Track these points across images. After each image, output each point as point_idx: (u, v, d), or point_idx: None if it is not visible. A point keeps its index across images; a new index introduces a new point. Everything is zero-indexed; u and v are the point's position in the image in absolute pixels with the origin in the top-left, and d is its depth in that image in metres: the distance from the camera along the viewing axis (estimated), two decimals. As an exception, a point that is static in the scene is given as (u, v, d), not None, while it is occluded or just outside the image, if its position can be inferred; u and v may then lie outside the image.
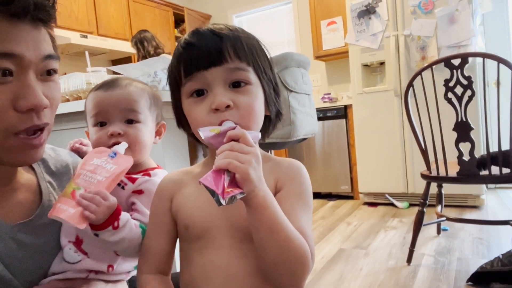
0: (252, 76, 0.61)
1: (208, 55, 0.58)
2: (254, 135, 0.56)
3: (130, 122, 0.76)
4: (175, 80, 0.63)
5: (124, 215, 0.65)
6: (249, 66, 0.60)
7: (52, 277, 0.68)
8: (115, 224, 0.63)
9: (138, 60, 3.28)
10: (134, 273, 0.77)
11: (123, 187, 0.74)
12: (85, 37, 3.73)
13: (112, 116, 0.75)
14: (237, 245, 0.60)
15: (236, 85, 0.59)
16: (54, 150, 0.82)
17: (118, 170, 0.66)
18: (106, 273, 0.70)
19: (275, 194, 0.61)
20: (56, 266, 0.68)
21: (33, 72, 0.57)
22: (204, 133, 0.55)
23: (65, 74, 3.40)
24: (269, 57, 0.66)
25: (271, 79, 0.65)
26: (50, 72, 0.60)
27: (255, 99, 0.60)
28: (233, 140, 0.53)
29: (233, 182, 0.51)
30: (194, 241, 0.63)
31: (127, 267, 0.74)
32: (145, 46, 3.22)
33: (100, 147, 0.72)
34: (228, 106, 0.58)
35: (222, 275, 0.60)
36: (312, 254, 0.57)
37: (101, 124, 0.76)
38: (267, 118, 0.66)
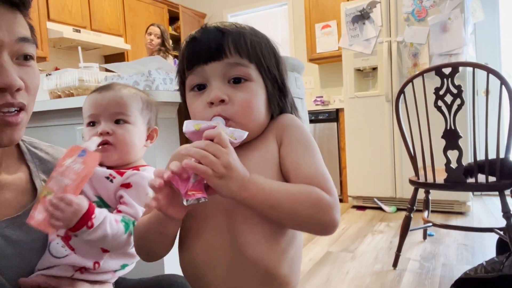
0: (253, 73, 0.60)
1: (208, 50, 0.59)
2: (239, 134, 0.55)
3: (119, 122, 0.79)
4: (180, 74, 0.64)
5: (100, 213, 0.66)
6: (250, 63, 0.60)
7: (39, 272, 0.68)
8: (89, 224, 0.64)
9: (161, 42, 3.49)
10: (120, 273, 0.77)
11: (111, 180, 0.75)
12: (78, 31, 3.70)
13: (103, 116, 0.79)
14: (237, 226, 0.58)
15: (236, 81, 0.59)
16: (53, 148, 0.81)
17: (84, 171, 0.67)
18: (92, 271, 0.70)
19: (278, 148, 0.62)
20: (42, 261, 0.69)
21: (8, 54, 0.58)
22: (187, 127, 0.55)
23: (57, 68, 3.36)
24: (278, 56, 0.65)
25: (277, 78, 0.64)
26: (26, 57, 0.61)
27: (254, 97, 0.60)
28: (210, 139, 0.53)
29: (197, 184, 0.51)
30: (194, 223, 0.61)
31: (114, 265, 0.74)
32: (167, 39, 3.52)
33: (75, 145, 0.73)
34: (223, 101, 0.58)
35: (226, 259, 0.58)
36: (329, 190, 0.56)
37: (92, 124, 0.80)
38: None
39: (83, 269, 0.70)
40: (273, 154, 0.61)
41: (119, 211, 0.72)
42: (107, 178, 0.75)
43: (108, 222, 0.67)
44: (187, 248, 0.62)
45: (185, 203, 0.49)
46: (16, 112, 0.59)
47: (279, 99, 0.64)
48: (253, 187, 0.53)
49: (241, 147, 0.60)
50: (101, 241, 0.66)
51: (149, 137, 0.87)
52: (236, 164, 0.53)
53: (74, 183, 0.65)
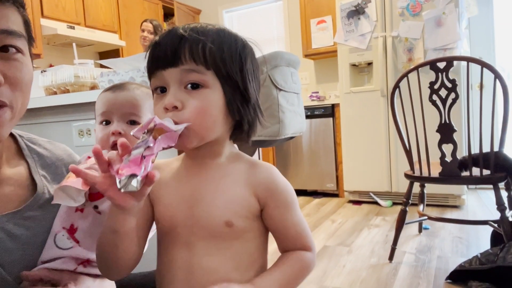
0: (210, 79, 0.60)
1: (165, 56, 0.59)
2: (179, 127, 0.56)
3: (132, 123, 0.81)
4: (148, 76, 0.65)
5: None
6: (207, 70, 0.59)
7: (41, 265, 0.68)
8: None
9: (149, 40, 3.38)
10: None
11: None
12: (72, 28, 3.67)
13: (116, 116, 0.80)
14: (200, 243, 0.63)
15: (194, 86, 0.59)
16: (51, 143, 0.81)
17: None
18: (95, 264, 0.71)
19: (259, 207, 0.64)
20: (46, 253, 0.69)
21: None
22: (134, 130, 0.56)
23: (51, 65, 3.34)
24: (244, 60, 0.63)
25: (239, 84, 0.62)
26: (7, 49, 0.58)
27: (207, 103, 0.59)
28: (154, 135, 0.54)
29: (131, 164, 0.51)
30: (163, 235, 0.66)
31: None
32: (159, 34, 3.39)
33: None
34: (176, 107, 0.58)
35: (183, 272, 0.63)
36: (311, 247, 0.68)
37: (106, 122, 0.81)
38: (238, 123, 0.65)
39: (85, 263, 0.70)
40: (246, 201, 0.64)
41: None
42: None
43: None
44: (158, 261, 0.68)
45: (118, 184, 0.49)
46: None
47: (240, 105, 0.63)
48: None
49: (201, 161, 0.65)
50: None
51: None
52: None
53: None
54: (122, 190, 0.49)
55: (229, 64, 0.61)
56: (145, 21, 3.51)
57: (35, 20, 3.35)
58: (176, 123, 0.57)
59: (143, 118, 0.81)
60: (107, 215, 0.60)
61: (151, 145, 0.53)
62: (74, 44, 2.13)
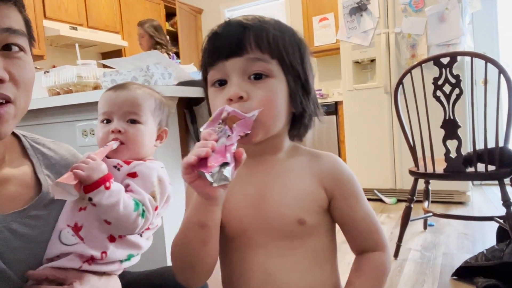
0: (275, 69, 0.58)
1: (229, 45, 0.58)
2: (252, 113, 0.55)
3: (132, 122, 0.82)
4: (203, 69, 0.64)
5: (117, 184, 0.71)
6: (272, 59, 0.58)
7: (47, 264, 0.68)
8: (107, 184, 0.68)
9: (150, 43, 3.32)
10: (127, 264, 0.78)
11: (118, 169, 0.78)
12: (75, 29, 3.69)
13: (116, 114, 0.82)
14: (272, 244, 0.61)
15: (257, 77, 0.57)
16: (55, 143, 0.82)
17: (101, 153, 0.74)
18: (100, 260, 0.71)
19: (327, 199, 0.63)
20: (51, 249, 0.69)
21: None
22: (203, 126, 0.54)
23: (54, 66, 3.36)
24: (304, 52, 0.63)
25: (300, 75, 0.61)
26: (10, 47, 0.58)
27: (274, 93, 0.58)
28: (231, 126, 0.53)
29: (216, 157, 0.49)
30: (231, 240, 0.63)
31: (120, 254, 0.75)
32: (160, 33, 3.30)
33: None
34: (241, 98, 0.57)
35: (260, 274, 0.61)
36: (384, 245, 0.66)
37: (106, 121, 0.83)
38: (295, 117, 0.64)
39: (90, 260, 0.70)
40: (315, 195, 0.62)
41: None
42: (115, 167, 0.78)
43: (123, 192, 0.70)
44: (224, 264, 0.65)
45: (210, 179, 0.47)
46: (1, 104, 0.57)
47: (301, 97, 0.62)
48: None
49: (262, 159, 0.63)
50: (113, 209, 0.68)
51: (159, 137, 0.89)
52: None
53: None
54: (215, 185, 0.48)
55: (291, 54, 0.60)
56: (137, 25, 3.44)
57: (38, 21, 3.37)
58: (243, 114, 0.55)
59: (143, 117, 0.83)
60: (190, 211, 0.57)
61: (230, 134, 0.52)
62: (76, 45, 2.14)
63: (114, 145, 0.78)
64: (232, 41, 0.57)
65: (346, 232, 0.65)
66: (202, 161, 0.49)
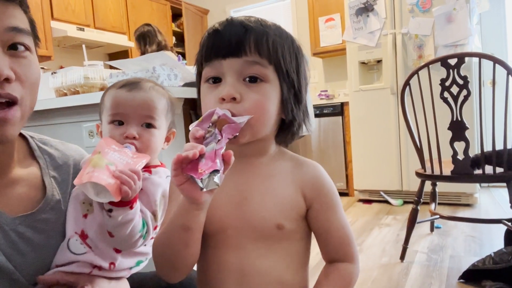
0: (270, 74, 0.59)
1: (228, 44, 0.57)
2: (242, 119, 0.55)
3: (147, 126, 0.78)
4: (198, 64, 0.64)
5: (139, 202, 0.69)
6: (269, 64, 0.58)
7: (57, 268, 0.68)
8: (133, 205, 0.66)
9: (141, 55, 3.23)
10: (136, 270, 0.78)
11: None
12: (82, 30, 3.71)
13: (131, 117, 0.77)
14: (251, 245, 0.61)
15: (252, 80, 0.58)
16: (63, 144, 0.82)
17: (140, 158, 0.70)
18: (108, 270, 0.71)
19: (305, 207, 0.63)
20: (60, 257, 0.69)
21: None
22: (192, 125, 0.55)
23: (62, 67, 3.38)
24: (300, 60, 0.63)
25: (294, 83, 0.61)
26: (16, 47, 0.58)
27: (267, 98, 0.58)
28: (221, 128, 0.53)
29: (207, 162, 0.50)
30: (209, 237, 0.63)
31: (129, 263, 0.75)
32: (146, 44, 3.15)
33: (113, 140, 0.74)
34: (234, 99, 0.57)
35: (235, 274, 0.61)
36: (355, 258, 0.66)
37: (118, 123, 0.78)
38: (284, 124, 0.64)
39: (100, 267, 0.70)
40: (295, 202, 0.63)
41: None
42: None
43: (139, 211, 0.69)
44: (202, 263, 0.65)
45: (200, 184, 0.48)
46: (6, 106, 0.57)
47: (293, 105, 0.62)
48: None
49: (247, 160, 0.63)
50: (125, 226, 0.66)
51: (167, 139, 0.86)
52: None
53: (135, 163, 0.68)
54: (205, 190, 0.49)
55: (289, 62, 0.60)
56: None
57: (45, 22, 3.39)
58: (233, 114, 0.56)
59: (158, 121, 0.79)
60: (174, 213, 0.57)
61: (220, 138, 0.52)
62: (83, 46, 2.15)
63: (129, 152, 0.73)
64: (232, 41, 0.57)
65: (319, 240, 0.66)
66: (192, 163, 0.50)
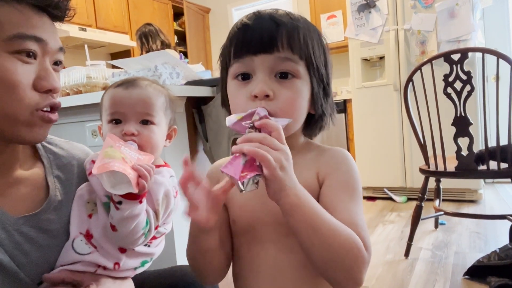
0: (301, 70, 0.58)
1: (260, 40, 0.56)
2: (281, 123, 0.54)
3: (145, 123, 0.77)
4: (225, 59, 0.62)
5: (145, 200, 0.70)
6: (301, 60, 0.57)
7: (62, 267, 0.68)
8: (143, 200, 0.67)
9: (141, 54, 3.26)
10: (140, 270, 0.78)
11: None
12: (84, 30, 3.72)
13: (129, 115, 0.76)
14: (282, 239, 0.60)
15: (283, 76, 0.56)
16: (69, 143, 0.82)
17: (147, 156, 0.71)
18: (113, 270, 0.71)
19: (319, 187, 0.60)
20: (65, 257, 0.69)
21: (49, 59, 0.64)
22: (229, 121, 0.54)
23: (64, 67, 3.39)
24: (327, 54, 0.63)
25: (323, 78, 0.61)
26: (57, 63, 0.67)
27: (299, 95, 0.57)
28: (261, 129, 0.51)
29: (249, 165, 0.49)
30: (241, 235, 0.64)
31: (134, 263, 0.75)
32: (149, 42, 3.19)
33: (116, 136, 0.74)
34: (267, 96, 0.55)
35: (268, 269, 0.61)
36: (366, 245, 0.53)
37: (116, 121, 0.77)
38: (312, 117, 0.64)
39: (104, 267, 0.71)
40: (310, 187, 0.57)
41: None
42: None
43: (145, 207, 0.69)
44: (236, 259, 0.66)
45: (241, 187, 0.47)
46: (50, 111, 0.65)
47: (322, 100, 0.61)
48: (303, 194, 0.51)
49: None
50: (129, 221, 0.66)
51: (168, 136, 0.85)
52: (291, 160, 0.51)
53: (144, 160, 0.68)
54: (244, 192, 0.48)
55: (318, 56, 0.60)
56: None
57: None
58: (268, 112, 0.55)
59: (157, 118, 0.78)
60: (188, 241, 0.60)
61: None
62: (86, 46, 2.15)
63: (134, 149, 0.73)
64: (264, 37, 0.56)
65: None
66: (233, 164, 0.48)
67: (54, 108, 0.65)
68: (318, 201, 0.57)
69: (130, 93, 0.77)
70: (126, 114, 0.76)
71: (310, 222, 0.51)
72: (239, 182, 0.47)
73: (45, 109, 0.63)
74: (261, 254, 0.61)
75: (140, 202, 0.66)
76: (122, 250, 0.72)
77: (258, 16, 0.59)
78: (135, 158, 0.67)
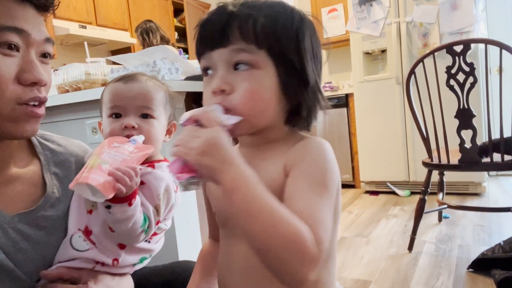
0: (262, 59, 0.54)
1: (212, 35, 0.55)
2: (231, 121, 0.53)
3: (145, 116, 0.77)
4: (197, 57, 0.61)
5: (138, 199, 0.68)
6: (259, 49, 0.54)
7: (60, 264, 0.68)
8: (132, 201, 0.65)
9: (145, 47, 3.28)
10: (139, 266, 0.77)
11: None
12: (84, 27, 3.70)
13: (128, 109, 0.77)
14: None
15: (243, 68, 0.54)
16: (66, 139, 0.82)
17: (140, 152, 0.69)
18: (111, 266, 0.71)
19: (285, 180, 0.55)
20: (63, 253, 0.69)
21: (34, 51, 0.62)
22: (183, 118, 0.53)
23: (64, 65, 3.38)
24: (302, 38, 0.56)
25: (295, 64, 0.56)
26: (45, 55, 0.65)
27: (258, 85, 0.54)
28: (197, 121, 0.50)
29: (186, 165, 0.48)
30: (221, 228, 0.65)
31: (133, 259, 0.74)
32: (150, 37, 3.24)
33: (118, 136, 0.73)
34: (224, 91, 0.54)
35: (241, 265, 0.59)
36: (318, 240, 0.46)
37: (116, 115, 0.77)
38: (295, 111, 0.59)
39: (103, 263, 0.70)
40: (276, 182, 0.54)
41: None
42: None
43: (139, 207, 0.68)
44: (220, 252, 0.66)
45: (181, 188, 0.49)
46: (37, 105, 0.63)
47: (297, 88, 0.56)
48: (241, 178, 0.47)
49: (256, 149, 0.61)
50: (124, 222, 0.66)
51: (168, 132, 0.85)
52: (221, 141, 0.48)
53: (132, 159, 0.67)
54: (188, 191, 0.49)
55: (284, 41, 0.55)
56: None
57: (47, 21, 3.39)
58: (226, 108, 0.53)
59: (156, 111, 0.78)
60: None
61: None
62: (85, 43, 2.14)
63: (130, 147, 0.71)
64: (216, 31, 0.55)
65: None
66: (175, 163, 0.49)
67: (40, 102, 0.63)
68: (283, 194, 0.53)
69: (130, 87, 0.78)
70: (126, 107, 0.76)
71: (248, 207, 0.46)
72: (178, 182, 0.48)
73: (31, 103, 0.61)
74: (234, 250, 0.60)
75: (130, 204, 0.65)
76: (122, 246, 0.72)
77: (217, 10, 0.57)
78: (119, 160, 0.65)
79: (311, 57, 0.58)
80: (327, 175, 0.53)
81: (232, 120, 0.53)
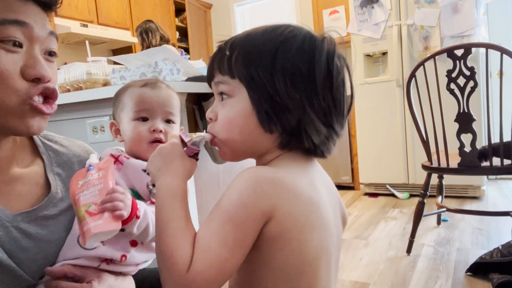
0: (236, 88, 0.57)
1: (208, 71, 0.64)
2: (188, 138, 0.62)
3: (168, 122, 0.84)
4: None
5: (139, 203, 0.69)
6: (233, 79, 0.57)
7: (65, 261, 0.68)
8: (138, 213, 0.66)
9: (142, 50, 3.28)
10: (141, 266, 0.78)
11: (148, 173, 0.74)
12: (85, 26, 3.70)
13: (156, 113, 0.83)
14: None
15: (224, 98, 0.61)
16: (69, 140, 0.82)
17: (106, 170, 0.68)
18: (119, 263, 0.71)
19: None
20: (69, 251, 0.69)
21: (39, 48, 0.62)
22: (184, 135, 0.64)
23: (66, 63, 3.38)
24: (280, 61, 0.55)
25: (269, 91, 0.55)
26: (51, 54, 0.65)
27: (231, 113, 0.58)
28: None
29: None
30: None
31: (140, 258, 0.75)
32: (149, 37, 3.26)
33: (74, 176, 0.72)
34: (211, 119, 0.61)
35: None
36: (193, 265, 0.48)
37: (143, 119, 0.83)
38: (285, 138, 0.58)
39: (108, 260, 0.70)
40: None
41: (153, 203, 0.74)
42: (144, 170, 0.76)
43: (149, 212, 0.70)
44: None
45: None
46: (51, 100, 0.64)
47: (273, 113, 0.55)
48: (164, 180, 0.57)
49: None
50: (144, 233, 0.69)
51: None
52: (164, 153, 0.60)
53: (106, 183, 0.65)
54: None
55: (254, 67, 0.55)
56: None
57: (49, 19, 3.39)
58: (212, 134, 0.61)
59: (177, 118, 0.86)
60: None
61: None
62: (87, 42, 2.15)
63: (94, 174, 0.70)
64: (208, 68, 0.63)
65: None
66: None
67: (48, 97, 0.63)
68: None
69: (157, 93, 0.84)
70: (154, 112, 0.83)
71: (157, 212, 0.55)
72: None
73: (38, 100, 0.61)
74: None
75: (137, 217, 0.66)
76: (133, 243, 0.73)
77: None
78: (97, 193, 0.64)
79: (289, 78, 0.55)
80: (231, 204, 0.51)
81: (194, 141, 0.61)
